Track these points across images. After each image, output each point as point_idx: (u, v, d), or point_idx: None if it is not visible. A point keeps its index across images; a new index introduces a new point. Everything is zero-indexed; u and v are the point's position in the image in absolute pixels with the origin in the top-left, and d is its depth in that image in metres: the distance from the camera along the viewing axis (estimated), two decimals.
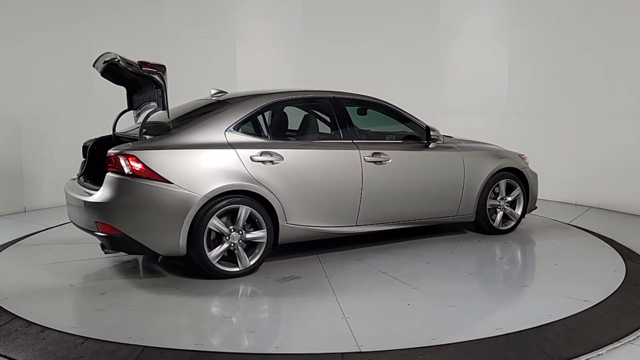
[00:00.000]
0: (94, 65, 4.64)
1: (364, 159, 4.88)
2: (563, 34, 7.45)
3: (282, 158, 4.51)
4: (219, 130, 4.41)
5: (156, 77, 4.23)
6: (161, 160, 4.10)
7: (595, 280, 4.27)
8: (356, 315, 3.62)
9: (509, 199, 5.71)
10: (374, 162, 4.93)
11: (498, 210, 5.68)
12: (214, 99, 4.89)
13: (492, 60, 8.20)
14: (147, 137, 4.30)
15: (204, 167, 4.22)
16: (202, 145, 4.28)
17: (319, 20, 8.94)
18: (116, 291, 4.12)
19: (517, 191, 5.74)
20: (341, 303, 3.84)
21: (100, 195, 4.12)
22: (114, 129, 4.96)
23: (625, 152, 6.90)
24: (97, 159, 4.79)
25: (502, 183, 5.65)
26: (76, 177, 4.85)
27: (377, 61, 8.76)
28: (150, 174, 4.04)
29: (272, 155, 4.48)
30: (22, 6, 6.99)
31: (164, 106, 4.34)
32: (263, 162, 4.43)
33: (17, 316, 3.60)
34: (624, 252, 5.07)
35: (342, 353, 3.06)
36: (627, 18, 6.77)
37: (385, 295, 4.02)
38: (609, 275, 4.36)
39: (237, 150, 4.37)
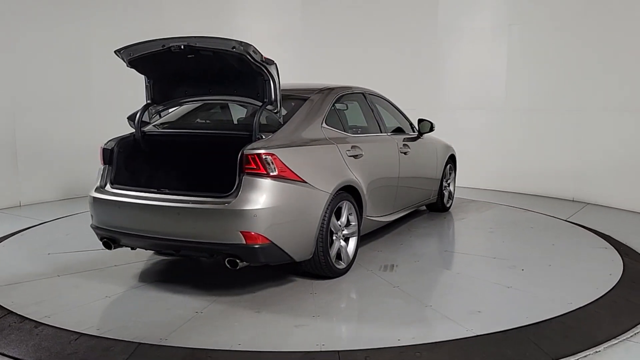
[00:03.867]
0: (121, 51, 3.99)
1: (400, 150, 5.26)
2: (562, 29, 7.41)
3: (362, 152, 4.54)
4: (317, 125, 4.27)
5: (272, 68, 3.87)
6: (293, 158, 3.80)
7: (593, 276, 4.26)
8: (522, 286, 4.03)
9: (449, 181, 6.64)
10: (404, 152, 5.34)
11: (444, 191, 6.52)
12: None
13: (490, 56, 8.17)
14: (263, 135, 3.87)
15: (323, 163, 4.11)
16: (312, 141, 4.11)
17: (318, 16, 8.90)
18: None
19: (453, 174, 6.72)
20: (480, 277, 4.25)
21: (246, 200, 3.57)
22: (139, 127, 4.32)
23: (623, 149, 6.88)
24: (125, 162, 4.25)
25: (447, 168, 6.54)
26: (102, 185, 4.12)
27: (376, 57, 8.72)
28: (289, 174, 3.72)
29: (356, 149, 4.50)
30: (19, 0, 6.95)
31: (272, 99, 3.93)
32: (354, 156, 4.44)
33: (11, 311, 3.56)
34: (622, 249, 5.05)
35: (339, 351, 3.03)
36: (626, 14, 6.74)
37: (494, 268, 4.53)
38: (606, 272, 4.34)
39: (337, 145, 4.31)
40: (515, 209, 6.90)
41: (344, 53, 8.81)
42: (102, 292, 3.94)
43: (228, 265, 3.68)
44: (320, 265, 4.05)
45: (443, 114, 8.36)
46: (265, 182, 3.61)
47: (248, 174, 3.62)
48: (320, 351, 3.03)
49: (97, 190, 4.12)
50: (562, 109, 7.52)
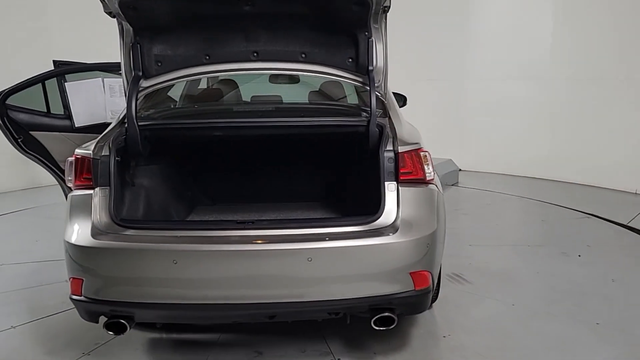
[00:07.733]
0: None
1: None
2: None
3: None
4: (396, 105, 3.66)
5: (383, 20, 2.94)
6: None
7: None
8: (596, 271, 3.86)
9: None
10: None
11: None
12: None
13: (532, 15, 7.32)
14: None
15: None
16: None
17: None
18: None
19: None
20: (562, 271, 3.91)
21: (414, 224, 2.51)
22: (135, 120, 2.77)
23: None
24: (139, 181, 3.00)
25: None
26: (104, 225, 2.49)
27: (393, 19, 7.51)
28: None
29: None
30: None
31: (378, 67, 2.96)
32: None
33: None
34: None
35: None
36: None
37: (542, 265, 4.08)
38: None
39: None
40: (552, 206, 5.75)
41: None
42: None
43: (376, 327, 2.49)
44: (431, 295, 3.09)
45: (473, 85, 7.89)
46: (426, 192, 2.61)
47: (404, 181, 2.57)
48: None
49: (96, 234, 2.45)
50: (621, 78, 6.52)
